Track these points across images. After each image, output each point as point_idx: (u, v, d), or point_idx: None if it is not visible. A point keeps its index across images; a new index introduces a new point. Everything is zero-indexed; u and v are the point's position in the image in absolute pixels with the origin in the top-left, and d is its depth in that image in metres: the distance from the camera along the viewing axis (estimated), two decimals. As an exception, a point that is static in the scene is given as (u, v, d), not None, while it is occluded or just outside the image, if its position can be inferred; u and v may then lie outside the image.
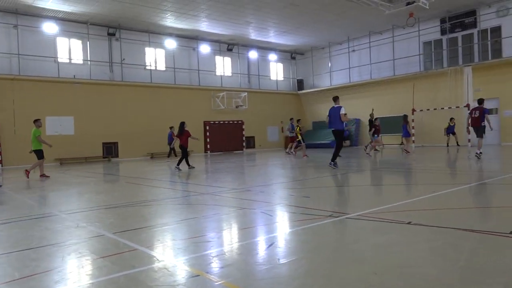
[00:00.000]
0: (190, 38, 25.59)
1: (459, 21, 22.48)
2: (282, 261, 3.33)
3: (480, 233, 3.93)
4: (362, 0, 18.64)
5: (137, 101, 23.09)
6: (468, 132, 18.21)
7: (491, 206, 5.59)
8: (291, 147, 19.82)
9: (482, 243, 3.63)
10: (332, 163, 11.51)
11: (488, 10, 21.41)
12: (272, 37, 26.64)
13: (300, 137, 18.34)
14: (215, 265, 3.28)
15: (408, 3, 18.43)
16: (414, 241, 3.77)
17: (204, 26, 23.29)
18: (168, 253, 3.72)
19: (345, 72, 28.28)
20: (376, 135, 17.92)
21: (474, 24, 22.02)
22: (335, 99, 11.91)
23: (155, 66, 24.49)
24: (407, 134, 17.84)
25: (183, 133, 13.36)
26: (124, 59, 22.86)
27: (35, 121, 12.38)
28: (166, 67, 24.87)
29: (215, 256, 3.54)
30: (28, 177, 11.89)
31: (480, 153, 12.81)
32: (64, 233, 4.61)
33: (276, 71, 30.97)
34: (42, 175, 12.26)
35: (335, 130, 11.64)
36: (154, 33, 23.98)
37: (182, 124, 13.52)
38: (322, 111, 29.93)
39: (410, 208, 5.29)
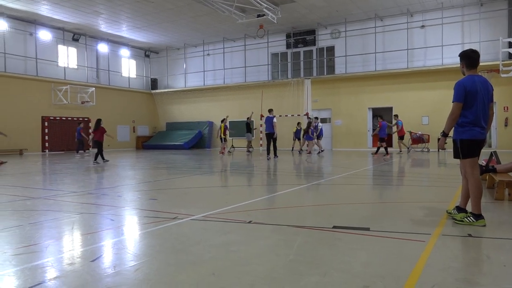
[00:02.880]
0: (26, 21, 22.45)
1: (301, 38, 25.02)
2: (121, 268, 3.13)
3: (310, 228, 4.37)
4: (216, 7, 19.17)
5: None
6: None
7: (320, 204, 6.29)
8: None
9: (310, 237, 4.03)
10: (276, 157, 15.72)
11: (324, 31, 24.37)
12: (125, 32, 25.28)
13: (222, 135, 19.90)
14: (42, 279, 2.88)
15: (258, 15, 19.72)
16: (252, 239, 3.98)
17: (44, 9, 20.71)
18: (-23, 271, 3.13)
19: (200, 75, 28.66)
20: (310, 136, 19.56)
21: (313, 42, 24.78)
22: (270, 111, 16.12)
23: (-21, 49, 20.79)
24: (310, 138, 19.33)
25: (98, 129, 14.43)
26: None
27: None
28: (-6, 52, 21.34)
29: (42, 268, 3.12)
30: None
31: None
32: None
33: (129, 67, 29.53)
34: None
35: (268, 133, 15.65)
36: (-21, 10, 20.36)
37: (99, 121, 14.64)
38: (176, 112, 29.77)
39: (253, 208, 5.59)
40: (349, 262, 3.21)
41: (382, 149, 17.74)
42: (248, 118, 20.90)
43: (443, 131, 4.50)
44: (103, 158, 14.66)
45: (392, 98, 22.31)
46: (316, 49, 24.72)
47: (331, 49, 24.41)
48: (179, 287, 2.75)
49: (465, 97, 4.33)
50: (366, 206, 5.92)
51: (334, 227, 4.36)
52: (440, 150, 4.63)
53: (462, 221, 4.41)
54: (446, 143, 4.64)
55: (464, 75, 4.56)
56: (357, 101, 23.28)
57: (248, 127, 20.91)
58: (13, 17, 21.68)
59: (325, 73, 24.49)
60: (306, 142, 19.76)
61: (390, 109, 22.50)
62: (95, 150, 14.88)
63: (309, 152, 19.02)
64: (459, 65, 4.73)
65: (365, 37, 23.09)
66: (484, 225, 4.31)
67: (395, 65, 22.18)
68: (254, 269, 3.07)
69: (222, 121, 20.32)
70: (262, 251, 3.58)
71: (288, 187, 8.04)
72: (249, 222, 4.63)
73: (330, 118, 24.30)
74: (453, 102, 4.40)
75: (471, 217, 4.38)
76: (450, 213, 4.76)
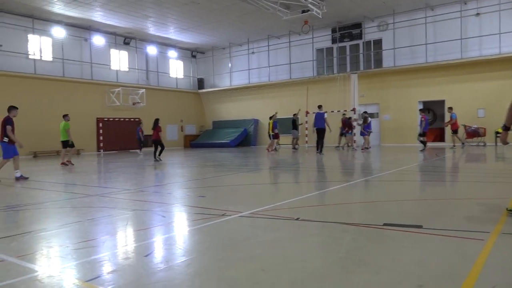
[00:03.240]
0: (82, 28, 23.71)
1: (347, 32, 24.47)
2: (173, 263, 3.23)
3: (359, 226, 4.27)
4: (261, 4, 19.21)
5: (17, 93, 20.63)
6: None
7: (369, 201, 6.13)
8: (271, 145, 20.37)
9: (360, 235, 3.94)
10: (321, 153, 15.73)
11: (371, 24, 23.68)
12: (172, 34, 26.01)
13: (271, 132, 19.68)
14: (100, 273, 3.04)
15: (303, 11, 19.52)
16: (301, 236, 3.95)
17: (98, 16, 21.77)
18: (43, 263, 3.35)
19: (245, 73, 28.88)
20: (350, 132, 20.12)
21: (360, 36, 24.16)
22: (320, 107, 16.65)
23: (40, 56, 22.18)
24: (363, 133, 19.12)
25: (156, 128, 15.02)
26: (1, 45, 20.31)
27: (65, 116, 14.19)
28: (53, 58, 22.70)
29: (100, 262, 3.29)
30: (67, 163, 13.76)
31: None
32: None
33: (176, 68, 30.36)
34: (63, 163, 13.70)
35: (319, 128, 16.06)
36: (40, 19, 21.73)
37: (157, 121, 15.22)
38: (222, 111, 30.22)
39: (300, 205, 5.56)
40: (402, 261, 3.11)
41: (427, 144, 17.16)
42: (294, 115, 20.78)
43: (504, 124, 4.24)
44: (154, 157, 15.08)
45: (445, 91, 21.27)
46: (363, 42, 24.09)
47: (378, 42, 23.68)
48: (229, 282, 2.78)
49: (527, 87, 4.04)
50: (418, 203, 5.70)
51: (385, 224, 4.23)
52: (499, 144, 4.35)
53: (525, 219, 4.13)
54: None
55: (525, 63, 4.25)
56: (407, 94, 22.42)
57: (294, 124, 20.77)
58: (70, 25, 22.95)
59: (372, 67, 23.81)
60: (346, 138, 19.97)
61: (442, 102, 21.47)
62: (154, 150, 15.42)
63: (366, 148, 18.72)
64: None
65: (414, 28, 22.17)
66: (551, 224, 4.01)
67: (447, 56, 21.12)
68: (304, 266, 3.05)
69: (270, 118, 20.16)
70: (311, 248, 3.55)
71: (336, 183, 7.92)
72: (297, 219, 4.61)
73: (378, 113, 23.61)
74: (513, 93, 4.12)
75: (535, 216, 4.09)
76: (510, 210, 4.47)
